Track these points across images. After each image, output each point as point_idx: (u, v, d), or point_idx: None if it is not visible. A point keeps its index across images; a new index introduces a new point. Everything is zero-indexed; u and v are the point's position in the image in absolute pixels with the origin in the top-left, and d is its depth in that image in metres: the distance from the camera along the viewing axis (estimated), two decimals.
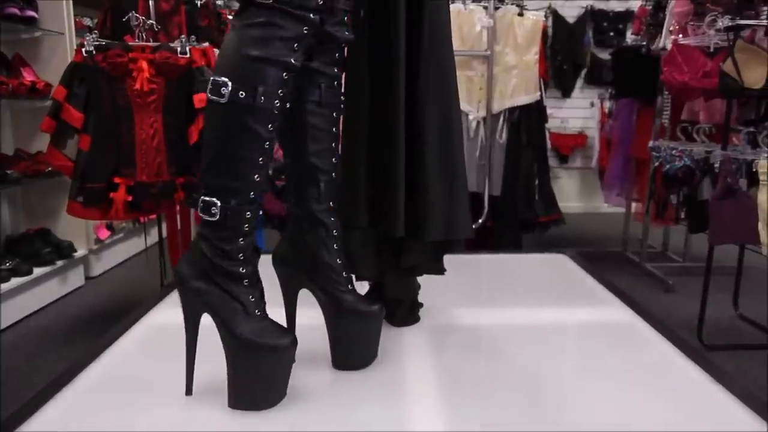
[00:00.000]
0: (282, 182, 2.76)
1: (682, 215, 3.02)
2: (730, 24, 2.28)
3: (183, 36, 2.17)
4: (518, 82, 3.01)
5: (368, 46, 1.18)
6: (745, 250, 2.66)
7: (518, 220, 3.15)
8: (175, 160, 2.16)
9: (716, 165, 2.39)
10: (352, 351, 1.10)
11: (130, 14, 2.14)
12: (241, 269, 0.94)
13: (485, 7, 2.99)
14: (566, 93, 5.38)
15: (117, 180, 2.11)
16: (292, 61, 0.90)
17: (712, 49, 2.69)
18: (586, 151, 5.39)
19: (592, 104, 5.23)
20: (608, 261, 3.70)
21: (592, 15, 5.28)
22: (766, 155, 2.18)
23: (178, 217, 2.45)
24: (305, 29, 0.91)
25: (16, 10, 2.60)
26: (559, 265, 1.81)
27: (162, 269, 2.53)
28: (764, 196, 2.11)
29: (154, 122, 2.12)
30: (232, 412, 0.97)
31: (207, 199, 0.92)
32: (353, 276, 1.12)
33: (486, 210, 3.11)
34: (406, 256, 1.23)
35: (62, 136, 2.14)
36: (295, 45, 0.90)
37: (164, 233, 2.51)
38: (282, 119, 0.93)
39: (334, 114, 1.07)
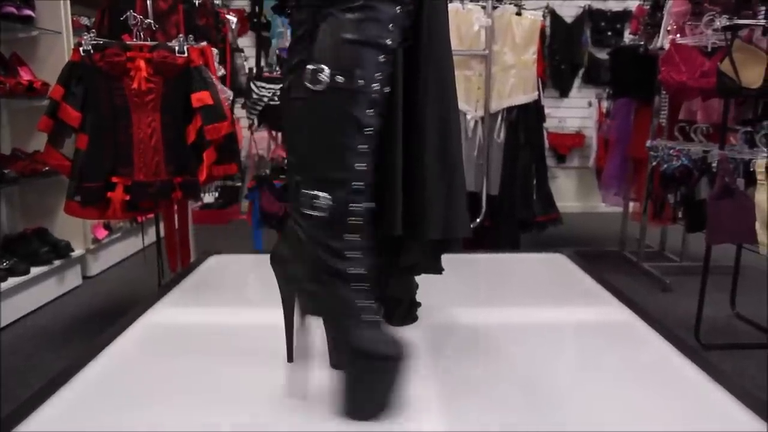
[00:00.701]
0: (280, 182, 2.76)
1: (680, 215, 3.02)
2: (727, 24, 2.28)
3: (181, 35, 2.16)
4: (516, 81, 3.01)
5: None
6: (743, 250, 2.66)
7: (516, 220, 3.15)
8: (173, 159, 2.15)
9: (714, 164, 2.39)
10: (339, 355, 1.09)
11: (128, 13, 2.14)
12: (351, 269, 0.89)
13: (483, 7, 2.99)
14: (564, 93, 5.39)
15: (114, 179, 2.11)
16: (389, 42, 0.88)
17: (709, 49, 2.68)
18: (583, 151, 5.39)
19: (590, 104, 5.23)
20: (606, 260, 3.70)
21: (590, 15, 5.28)
22: (763, 155, 2.19)
23: (176, 216, 2.45)
24: (399, 9, 0.88)
25: (13, 9, 2.60)
26: (557, 265, 1.81)
27: (160, 269, 2.53)
28: (762, 195, 2.12)
29: (152, 121, 2.11)
30: (230, 411, 0.97)
31: (309, 192, 0.87)
32: None
33: (484, 209, 3.11)
34: (405, 255, 1.23)
35: (59, 135, 2.14)
36: (390, 26, 0.88)
37: (162, 233, 2.51)
38: (382, 104, 0.90)
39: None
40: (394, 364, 0.88)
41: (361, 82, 0.85)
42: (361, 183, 0.88)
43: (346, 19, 0.86)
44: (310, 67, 0.86)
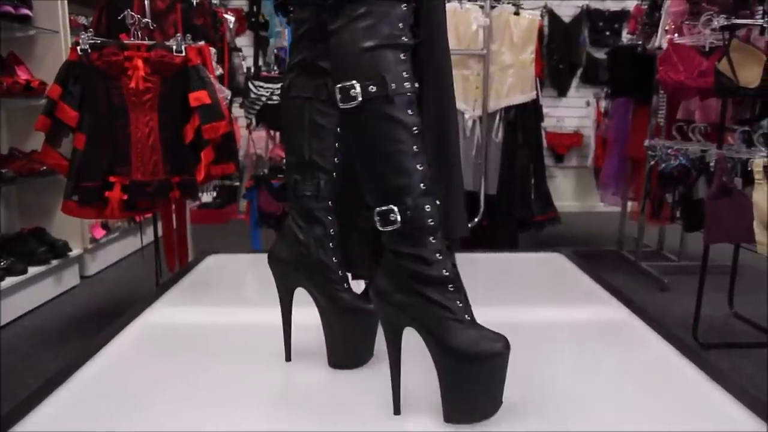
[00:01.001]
0: (278, 181, 2.76)
1: (678, 214, 3.03)
2: (725, 23, 2.28)
3: (179, 34, 2.16)
4: (514, 81, 3.01)
5: None
6: (741, 249, 2.67)
7: (514, 219, 3.15)
8: (171, 158, 2.15)
9: (712, 164, 2.39)
10: (349, 349, 1.10)
11: (126, 12, 2.13)
12: (443, 272, 0.87)
13: (481, 6, 2.99)
14: (562, 92, 5.39)
15: (112, 179, 2.10)
16: (404, 39, 0.86)
17: (707, 49, 2.69)
18: (581, 150, 5.40)
19: (588, 103, 5.24)
20: (604, 260, 3.70)
21: (587, 14, 5.29)
22: (761, 154, 2.19)
23: (174, 216, 2.45)
24: (404, 6, 0.86)
25: (10, 8, 2.59)
26: (555, 264, 1.81)
27: (157, 269, 2.52)
28: (759, 194, 2.12)
29: (150, 121, 2.11)
30: (228, 410, 0.96)
31: (382, 209, 0.85)
32: (349, 275, 1.11)
33: (482, 209, 3.11)
34: None
35: (57, 134, 2.13)
36: (401, 24, 0.86)
37: (160, 232, 2.51)
38: (416, 101, 0.87)
39: (329, 110, 1.06)
40: (500, 359, 0.88)
41: (393, 85, 0.83)
42: (425, 182, 0.86)
43: (357, 29, 0.84)
44: (338, 87, 0.83)
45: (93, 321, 2.62)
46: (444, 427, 0.91)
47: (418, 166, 0.86)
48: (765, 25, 2.28)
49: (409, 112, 0.85)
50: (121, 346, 1.24)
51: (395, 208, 0.85)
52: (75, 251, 3.04)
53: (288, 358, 1.13)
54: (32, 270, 2.71)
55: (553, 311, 1.42)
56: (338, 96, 0.84)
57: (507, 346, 0.88)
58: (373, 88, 0.83)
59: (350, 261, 1.28)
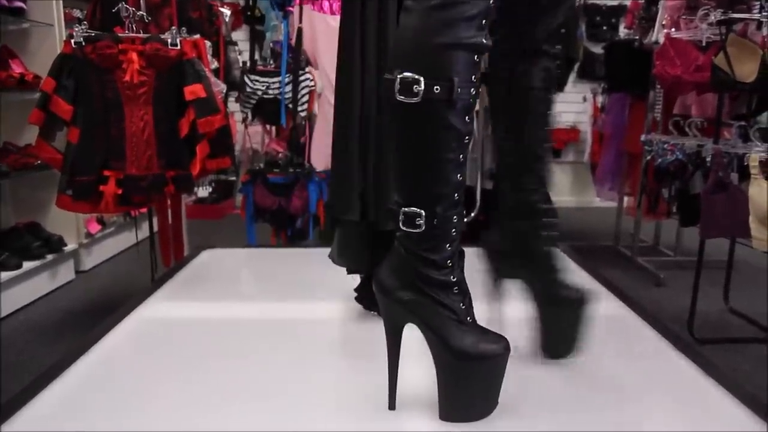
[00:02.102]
0: (274, 176, 2.75)
1: (674, 209, 3.03)
2: (722, 18, 2.28)
3: (174, 28, 2.14)
4: None
5: (359, 42, 1.18)
6: (736, 244, 2.67)
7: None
8: (166, 153, 2.14)
9: (708, 159, 2.39)
10: (564, 341, 1.08)
11: (120, 5, 2.12)
12: (451, 277, 0.87)
13: None
14: (559, 87, 5.35)
15: (107, 173, 2.09)
16: (483, 41, 0.80)
17: (704, 43, 2.69)
18: (578, 146, 5.40)
19: (585, 99, 5.24)
20: (600, 255, 3.71)
21: (584, 9, 5.28)
22: (757, 149, 2.19)
23: (169, 210, 2.44)
24: (491, 2, 0.79)
25: (3, 1, 2.58)
26: None
27: (153, 264, 2.52)
28: (755, 189, 2.12)
29: (145, 114, 2.09)
30: (222, 405, 0.96)
31: (409, 210, 0.83)
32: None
33: (478, 203, 3.10)
34: None
35: (51, 128, 2.12)
36: (483, 22, 0.79)
37: (155, 227, 2.50)
38: (474, 107, 0.82)
39: (551, 97, 1.02)
40: (499, 360, 0.88)
41: (459, 90, 0.78)
42: (459, 193, 0.84)
43: (435, 19, 0.77)
44: (400, 76, 0.78)
45: (88, 316, 2.61)
46: (442, 426, 0.90)
47: (458, 176, 0.83)
48: (762, 20, 2.28)
49: (467, 119, 0.81)
50: (115, 341, 1.23)
51: (424, 213, 0.82)
52: (70, 246, 3.03)
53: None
54: (27, 265, 2.70)
55: None
56: (397, 86, 0.78)
57: (507, 347, 0.88)
58: (437, 89, 0.77)
59: (346, 255, 1.28)
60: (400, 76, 0.78)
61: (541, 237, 1.04)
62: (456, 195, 0.84)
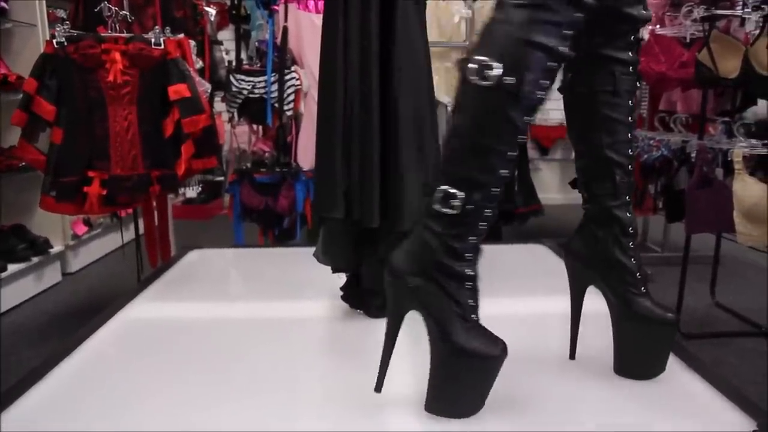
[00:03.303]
0: (261, 175, 2.74)
1: (660, 205, 3.05)
2: (705, 14, 2.29)
3: (157, 27, 2.13)
4: None
5: (342, 40, 1.17)
6: (722, 240, 2.69)
7: (498, 211, 3.15)
8: (151, 153, 2.12)
9: (693, 155, 2.41)
10: (639, 359, 1.03)
11: (102, 5, 2.10)
12: (467, 271, 0.87)
13: None
14: None
15: (91, 173, 2.08)
16: (562, 49, 0.82)
17: (688, 40, 2.70)
18: (567, 143, 5.41)
19: None
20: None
21: None
22: (741, 144, 2.20)
23: (155, 211, 2.42)
24: (577, 15, 0.81)
25: None
26: (539, 256, 1.82)
27: (139, 265, 2.50)
28: (739, 185, 2.13)
29: (129, 114, 2.08)
30: (210, 406, 0.95)
31: (449, 190, 0.84)
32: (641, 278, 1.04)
33: None
34: (382, 247, 1.23)
35: (34, 129, 2.10)
36: (566, 31, 0.81)
37: (141, 228, 2.48)
38: (536, 112, 0.84)
39: (630, 102, 0.99)
40: (494, 362, 0.88)
41: (528, 87, 0.80)
42: (498, 189, 0.85)
43: (529, 17, 0.80)
44: (478, 59, 0.80)
45: (75, 318, 2.59)
46: (423, 426, 0.90)
47: (504, 171, 0.84)
48: (744, 17, 2.29)
49: (526, 119, 0.83)
50: (101, 342, 1.22)
51: (461, 196, 0.83)
52: (56, 248, 3.01)
53: (572, 357, 1.10)
54: (12, 267, 2.67)
55: (537, 302, 1.42)
56: (473, 66, 0.80)
57: (504, 350, 0.88)
58: (509, 80, 0.79)
59: (331, 253, 1.28)
60: (478, 57, 0.80)
61: (617, 246, 1.01)
62: (495, 189, 0.85)
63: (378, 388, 0.93)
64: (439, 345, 0.88)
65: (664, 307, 1.02)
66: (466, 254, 0.87)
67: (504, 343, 0.89)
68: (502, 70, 0.79)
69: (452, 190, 0.83)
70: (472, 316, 0.88)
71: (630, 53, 0.97)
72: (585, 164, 1.03)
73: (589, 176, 1.03)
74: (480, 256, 0.89)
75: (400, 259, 0.89)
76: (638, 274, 1.01)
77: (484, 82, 0.80)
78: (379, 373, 0.93)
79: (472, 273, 0.87)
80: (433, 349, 0.89)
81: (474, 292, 0.88)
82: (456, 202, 0.83)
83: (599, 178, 1.01)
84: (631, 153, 1.01)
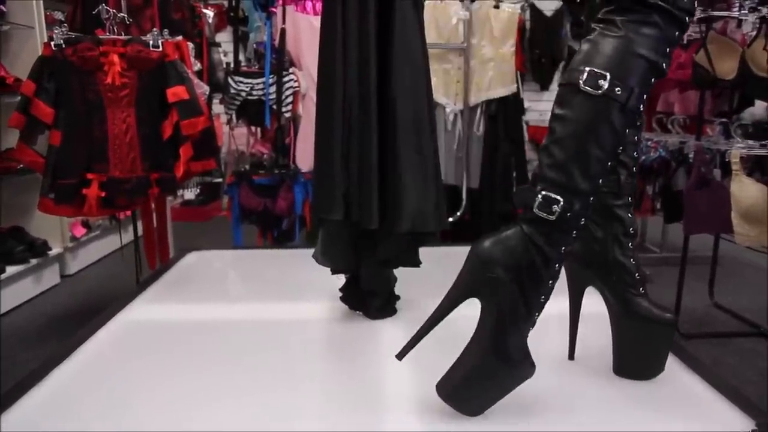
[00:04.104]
0: (259, 177, 2.74)
1: (658, 206, 3.05)
2: (702, 16, 2.30)
3: (155, 29, 2.13)
4: (495, 74, 3.01)
5: (341, 42, 1.18)
6: (720, 240, 2.69)
7: (496, 212, 3.16)
8: (149, 155, 2.12)
9: (690, 156, 2.41)
10: (638, 360, 1.03)
11: (100, 7, 2.10)
12: (550, 281, 0.88)
13: (461, 0, 2.98)
14: (544, 86, 5.39)
15: (89, 176, 2.07)
16: (663, 65, 0.86)
17: (685, 41, 2.71)
18: None
19: None
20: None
21: (568, 9, 5.30)
22: (738, 145, 2.21)
23: (154, 213, 2.42)
24: (677, 33, 0.86)
25: None
26: None
27: (138, 267, 2.50)
28: (737, 185, 2.14)
29: (127, 117, 2.08)
30: (209, 407, 0.95)
31: (551, 195, 0.85)
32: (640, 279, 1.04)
33: (464, 202, 3.11)
34: (381, 248, 1.23)
35: (32, 131, 2.10)
36: (668, 49, 0.86)
37: (140, 230, 2.48)
38: (635, 121, 0.88)
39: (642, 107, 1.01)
40: (521, 378, 0.89)
41: (634, 99, 0.84)
42: (594, 199, 0.87)
43: (643, 33, 0.84)
44: (588, 68, 0.84)
45: (74, 320, 2.59)
46: (421, 426, 0.90)
47: (599, 180, 0.86)
48: (741, 18, 2.30)
49: (628, 130, 0.86)
50: (100, 344, 1.22)
51: (562, 202, 0.85)
52: (55, 250, 3.00)
53: (571, 357, 1.11)
54: (11, 269, 2.67)
55: None
56: (584, 76, 0.84)
57: (530, 374, 0.89)
58: (618, 91, 0.83)
59: (330, 254, 1.28)
60: (589, 68, 0.84)
61: (617, 246, 1.02)
62: (591, 198, 0.87)
63: (401, 356, 0.93)
64: (486, 341, 0.88)
65: (663, 307, 1.02)
66: (556, 264, 0.87)
67: (534, 368, 0.89)
68: (612, 80, 0.83)
69: (554, 196, 0.85)
70: (530, 328, 0.89)
71: None
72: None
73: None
74: (561, 269, 0.89)
75: (494, 248, 0.89)
76: (637, 274, 1.02)
77: (596, 91, 0.83)
78: (409, 342, 0.93)
79: (552, 283, 0.88)
80: (476, 343, 0.89)
81: (544, 303, 0.89)
82: (556, 208, 0.85)
83: (609, 176, 1.01)
84: (636, 155, 1.02)
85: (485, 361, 0.88)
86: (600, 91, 0.83)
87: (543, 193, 0.85)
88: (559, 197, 0.85)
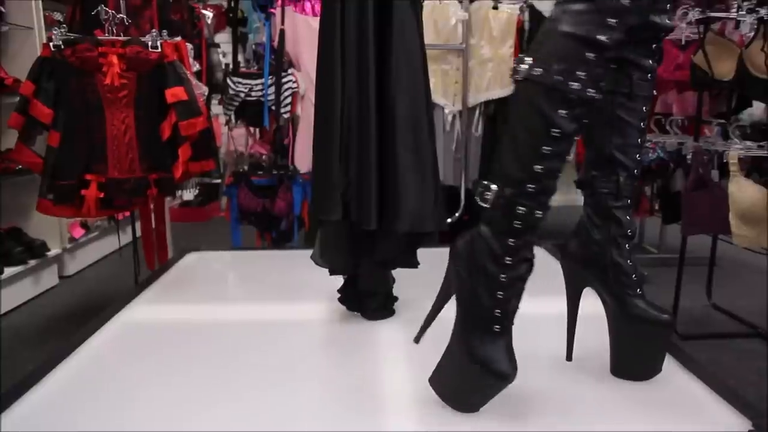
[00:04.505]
0: (258, 178, 2.74)
1: (656, 207, 3.05)
2: (700, 17, 2.30)
3: (154, 30, 2.13)
4: (494, 75, 3.01)
5: (340, 43, 1.18)
6: (718, 241, 2.70)
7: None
8: (148, 156, 2.12)
9: (688, 157, 2.41)
10: (635, 360, 1.04)
11: (99, 8, 2.10)
12: (501, 276, 0.85)
13: (460, 0, 2.98)
14: None
15: (88, 177, 2.07)
16: (602, 38, 0.79)
17: (683, 42, 2.71)
18: None
19: None
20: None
21: None
22: (736, 147, 2.21)
23: (153, 214, 2.42)
24: (628, 1, 0.79)
25: None
26: (536, 258, 1.82)
27: (136, 268, 2.50)
28: (734, 186, 2.14)
29: (126, 118, 2.08)
30: (207, 408, 0.96)
31: (485, 183, 0.85)
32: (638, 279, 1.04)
33: (463, 203, 3.11)
34: (379, 249, 1.23)
35: (31, 132, 2.10)
36: (612, 21, 0.79)
37: (138, 231, 2.48)
38: (583, 107, 0.82)
39: (644, 108, 1.00)
40: (495, 379, 0.88)
41: (559, 78, 0.79)
42: (535, 187, 0.83)
43: (569, 11, 0.81)
44: (520, 58, 0.83)
45: (72, 321, 2.58)
46: (422, 424, 0.91)
47: (537, 167, 0.82)
48: (739, 19, 2.30)
49: (561, 112, 0.81)
50: (99, 344, 1.23)
51: (494, 190, 0.84)
52: (53, 251, 3.00)
53: (569, 358, 1.10)
54: (9, 270, 2.66)
55: (533, 305, 1.41)
56: (516, 66, 0.83)
57: (514, 372, 0.88)
58: (536, 71, 0.80)
59: (328, 255, 1.28)
60: (523, 54, 0.84)
61: (614, 247, 1.02)
62: (531, 186, 0.83)
63: (417, 339, 0.96)
64: (455, 338, 0.88)
65: (660, 308, 1.02)
66: (506, 257, 0.85)
67: (513, 374, 0.88)
68: (532, 62, 0.81)
69: (487, 183, 0.85)
70: (495, 326, 0.87)
71: (650, 60, 0.97)
72: (592, 161, 1.03)
73: (594, 173, 1.03)
74: (527, 268, 0.87)
75: (460, 242, 0.90)
76: (634, 275, 1.02)
77: (518, 77, 0.83)
78: (422, 325, 0.95)
79: (505, 280, 0.86)
80: (452, 338, 0.89)
81: (505, 303, 0.86)
82: (488, 195, 0.84)
83: (604, 177, 1.01)
84: (638, 157, 1.01)
85: (459, 360, 0.88)
86: (520, 76, 0.82)
87: (484, 181, 0.86)
88: (492, 184, 0.84)
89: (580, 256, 1.05)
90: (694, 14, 2.34)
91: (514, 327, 1.13)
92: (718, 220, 2.20)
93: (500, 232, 0.85)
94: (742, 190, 2.14)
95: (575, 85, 0.80)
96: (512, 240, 0.85)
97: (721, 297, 2.77)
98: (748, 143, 2.22)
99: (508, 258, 0.85)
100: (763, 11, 2.15)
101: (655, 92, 1.03)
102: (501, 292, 0.86)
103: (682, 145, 2.55)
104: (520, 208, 0.84)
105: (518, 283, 0.87)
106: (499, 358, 0.87)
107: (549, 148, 0.82)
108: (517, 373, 0.93)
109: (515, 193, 0.83)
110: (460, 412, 0.91)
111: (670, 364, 1.09)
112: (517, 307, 0.88)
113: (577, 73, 0.79)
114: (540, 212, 0.85)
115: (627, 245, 1.02)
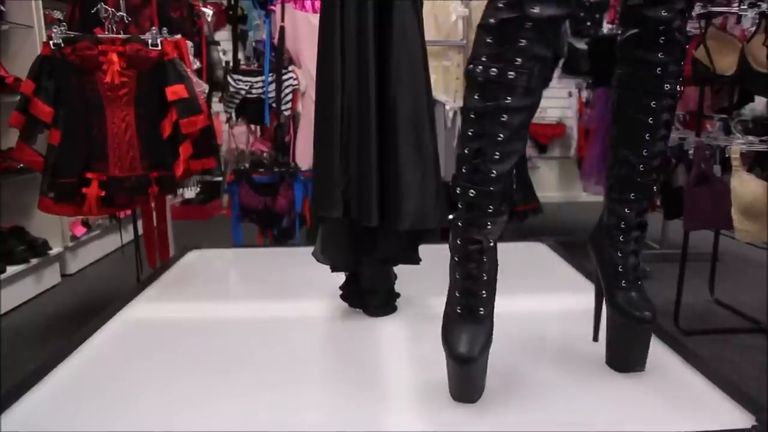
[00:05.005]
0: (259, 176, 2.74)
1: (658, 202, 3.05)
2: (701, 11, 2.29)
3: (154, 28, 2.13)
4: None
5: (340, 40, 1.18)
6: (720, 236, 2.69)
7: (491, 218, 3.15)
8: (149, 154, 2.12)
9: (690, 152, 2.41)
10: (619, 352, 1.06)
11: (99, 6, 2.09)
12: (455, 257, 0.91)
13: None
14: (545, 82, 5.39)
15: (89, 175, 2.07)
16: (534, 10, 0.81)
17: None
18: (564, 141, 5.40)
19: (570, 94, 5.24)
20: (586, 249, 3.71)
21: None
22: (738, 141, 2.21)
23: (154, 212, 2.42)
24: None
25: None
26: (538, 254, 1.82)
27: (138, 266, 2.50)
28: (737, 181, 2.13)
29: (126, 116, 2.08)
30: (209, 405, 0.95)
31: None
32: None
33: None
34: (381, 245, 1.23)
35: (32, 130, 2.09)
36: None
37: (140, 229, 2.48)
38: (519, 90, 0.85)
39: (653, 103, 1.00)
40: (456, 362, 0.89)
41: (482, 70, 0.84)
42: (466, 167, 0.88)
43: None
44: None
45: (74, 320, 2.58)
46: (420, 425, 0.90)
47: (464, 150, 0.87)
48: (741, 13, 2.29)
49: (476, 96, 0.85)
50: (100, 343, 1.23)
51: (462, 183, 0.89)
52: (55, 249, 3.00)
53: (595, 339, 1.14)
54: (11, 269, 2.67)
55: (536, 300, 1.42)
56: None
57: (475, 358, 0.89)
58: (471, 67, 0.86)
59: (329, 252, 1.28)
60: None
61: (608, 239, 1.04)
62: (463, 169, 0.87)
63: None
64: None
65: (644, 305, 1.02)
66: (457, 239, 0.90)
67: (481, 351, 0.88)
68: (470, 59, 0.86)
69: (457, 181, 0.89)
70: (461, 311, 0.90)
71: (659, 55, 0.97)
72: (610, 151, 1.07)
73: (608, 165, 1.07)
74: (490, 265, 0.90)
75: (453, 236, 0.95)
76: (621, 267, 1.03)
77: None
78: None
79: (462, 276, 0.89)
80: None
81: (466, 296, 0.90)
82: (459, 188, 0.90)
83: (613, 169, 1.04)
84: (645, 154, 1.01)
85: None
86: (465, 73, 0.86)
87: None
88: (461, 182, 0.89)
89: (595, 241, 1.10)
90: (696, 9, 2.33)
91: (516, 323, 1.13)
92: (721, 216, 2.20)
93: (469, 223, 0.89)
94: (744, 185, 2.13)
95: (492, 70, 0.84)
96: (476, 232, 0.88)
97: (724, 292, 2.77)
98: (750, 138, 2.22)
99: (459, 241, 0.90)
100: (764, 6, 2.14)
101: (679, 87, 1.01)
102: (457, 273, 0.90)
103: (684, 140, 2.55)
104: (472, 192, 0.88)
105: (468, 264, 0.89)
106: (471, 340, 0.89)
107: (473, 129, 0.87)
108: (519, 368, 0.93)
109: (460, 177, 0.90)
110: (461, 401, 0.92)
111: (672, 358, 1.09)
112: (480, 293, 0.89)
113: (494, 53, 0.84)
114: (474, 191, 0.89)
115: (620, 237, 1.03)
